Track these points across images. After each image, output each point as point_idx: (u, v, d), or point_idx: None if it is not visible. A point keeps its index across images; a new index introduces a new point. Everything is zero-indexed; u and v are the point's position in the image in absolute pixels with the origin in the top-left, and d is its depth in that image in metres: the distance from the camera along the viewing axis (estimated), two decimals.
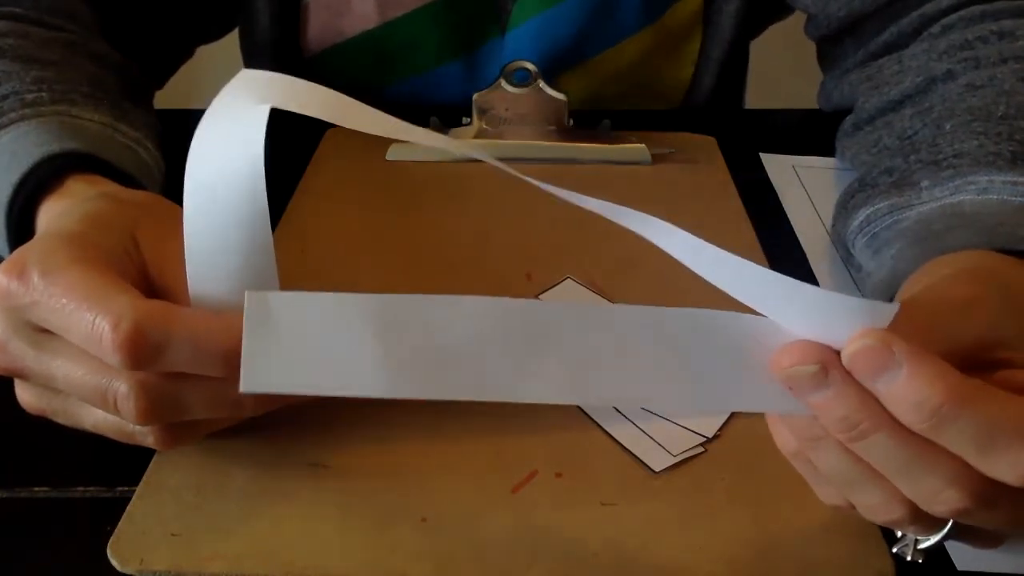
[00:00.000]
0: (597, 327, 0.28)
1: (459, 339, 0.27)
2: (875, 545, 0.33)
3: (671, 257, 0.30)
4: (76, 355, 0.32)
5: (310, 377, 0.28)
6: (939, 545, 0.30)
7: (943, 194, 0.42)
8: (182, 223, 0.32)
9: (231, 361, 0.30)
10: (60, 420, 0.35)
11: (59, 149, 0.39)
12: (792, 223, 0.55)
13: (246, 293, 0.28)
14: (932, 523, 0.29)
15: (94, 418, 0.34)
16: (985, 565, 0.34)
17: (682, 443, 0.38)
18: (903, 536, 0.31)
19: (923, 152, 0.45)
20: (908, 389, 0.26)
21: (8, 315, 0.32)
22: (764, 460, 0.37)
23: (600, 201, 0.29)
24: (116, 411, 0.32)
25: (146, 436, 0.34)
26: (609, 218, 0.30)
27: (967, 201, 0.40)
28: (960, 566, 0.34)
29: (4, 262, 0.32)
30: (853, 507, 0.30)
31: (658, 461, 0.37)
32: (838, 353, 0.27)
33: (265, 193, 0.31)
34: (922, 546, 0.30)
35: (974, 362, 0.28)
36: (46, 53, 0.47)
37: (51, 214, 0.38)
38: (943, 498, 0.27)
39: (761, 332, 0.29)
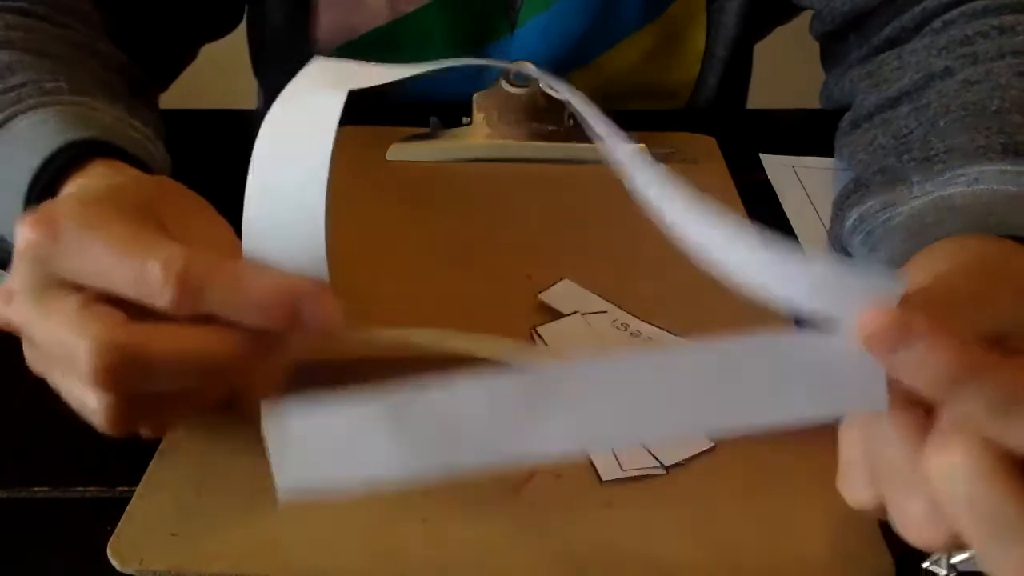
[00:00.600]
0: (593, 382, 0.29)
1: (461, 418, 0.29)
2: (875, 545, 0.33)
3: (671, 257, 0.30)
4: (57, 311, 0.31)
5: (338, 475, 0.30)
6: (972, 562, 0.29)
7: (934, 188, 0.42)
8: (204, 203, 0.34)
9: (268, 305, 0.31)
10: (54, 385, 0.34)
11: (83, 135, 0.40)
12: (792, 224, 0.55)
13: (263, 407, 0.29)
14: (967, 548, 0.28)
15: (70, 389, 0.33)
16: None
17: (638, 461, 0.37)
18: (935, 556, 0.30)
19: (915, 150, 0.45)
20: (929, 360, 0.25)
21: (31, 266, 0.32)
22: (764, 460, 0.37)
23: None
24: (78, 372, 0.31)
25: (98, 407, 0.32)
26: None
27: (958, 193, 0.40)
28: (960, 566, 0.34)
29: (31, 215, 0.32)
30: (880, 512, 0.29)
31: (607, 471, 0.36)
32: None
33: (326, 187, 0.33)
34: (955, 560, 0.30)
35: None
36: (55, 49, 0.48)
37: (74, 188, 0.38)
38: None
39: (777, 349, 0.28)
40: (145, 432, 0.35)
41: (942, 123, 0.45)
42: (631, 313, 0.45)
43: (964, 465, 0.26)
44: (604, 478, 0.36)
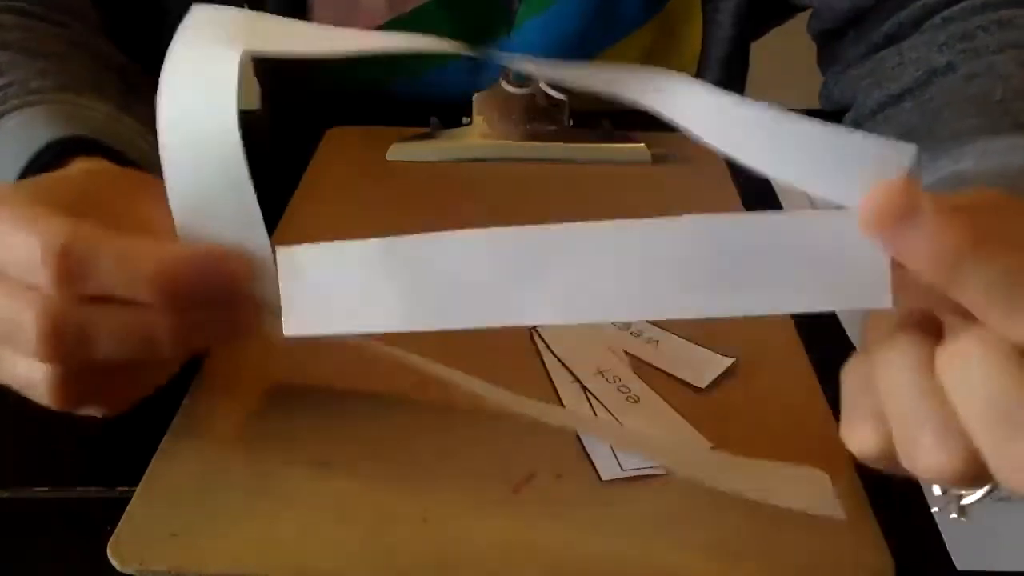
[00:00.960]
0: (593, 246, 0.29)
1: (458, 270, 0.29)
2: (875, 544, 0.33)
3: None
4: (4, 289, 0.31)
5: (338, 318, 0.31)
6: (985, 499, 0.28)
7: (946, 163, 0.42)
8: (158, 197, 0.32)
9: (160, 285, 0.30)
10: None
11: (65, 134, 0.39)
12: None
13: (277, 250, 0.31)
14: (979, 480, 0.27)
15: (13, 367, 0.32)
16: (985, 565, 0.34)
17: (638, 461, 0.37)
18: (944, 493, 0.29)
19: (922, 142, 0.45)
20: (930, 237, 0.25)
21: None
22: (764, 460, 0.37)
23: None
24: (19, 345, 0.31)
25: (43, 378, 0.31)
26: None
27: (970, 167, 0.40)
28: (960, 566, 0.34)
29: None
30: (886, 454, 0.28)
31: (607, 471, 0.37)
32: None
33: (241, 147, 0.31)
34: (967, 500, 0.29)
35: None
36: (50, 47, 0.48)
37: None
38: None
39: (788, 227, 0.27)
40: (97, 410, 0.34)
41: (946, 113, 0.45)
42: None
43: (980, 358, 0.25)
44: (604, 478, 0.36)
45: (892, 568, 0.33)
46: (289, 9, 0.68)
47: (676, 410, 0.39)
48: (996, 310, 0.25)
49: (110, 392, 0.34)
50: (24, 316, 0.30)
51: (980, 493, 0.28)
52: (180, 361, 0.35)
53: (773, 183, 0.59)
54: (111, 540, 0.33)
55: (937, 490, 0.29)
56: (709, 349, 0.42)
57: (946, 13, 0.52)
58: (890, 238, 0.26)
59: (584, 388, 0.41)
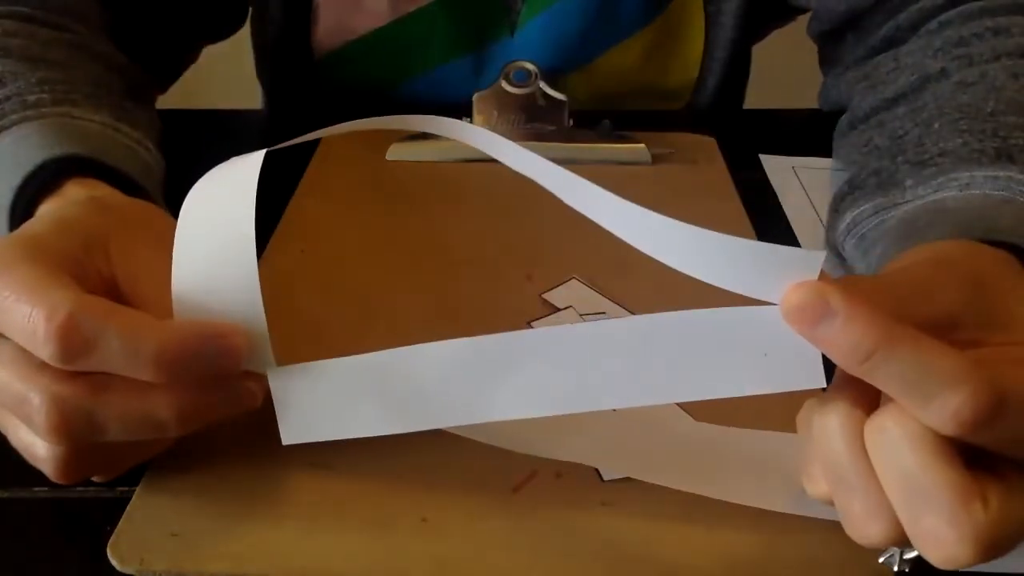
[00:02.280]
0: (546, 349, 0.32)
1: (430, 379, 0.33)
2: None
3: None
4: (7, 361, 0.31)
5: (327, 427, 0.34)
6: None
7: (926, 192, 0.42)
8: (165, 232, 0.34)
9: (162, 363, 0.30)
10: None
11: (59, 153, 0.39)
12: (791, 224, 0.55)
13: (268, 370, 0.33)
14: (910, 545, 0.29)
15: (17, 433, 0.33)
16: (985, 565, 0.34)
17: None
18: (887, 554, 0.31)
19: (910, 152, 0.45)
20: (844, 334, 0.27)
21: None
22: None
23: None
24: (28, 422, 0.31)
25: (49, 457, 0.32)
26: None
27: (949, 198, 0.40)
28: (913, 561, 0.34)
29: None
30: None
31: (607, 471, 0.37)
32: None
33: (253, 233, 0.33)
34: (908, 556, 0.30)
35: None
36: (51, 53, 0.48)
37: (42, 211, 0.38)
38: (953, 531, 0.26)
39: (730, 320, 0.30)
40: (97, 478, 0.35)
41: (936, 125, 0.45)
42: (633, 313, 0.45)
43: (897, 435, 0.27)
44: (604, 478, 0.36)
45: (892, 568, 0.33)
46: (293, 11, 0.68)
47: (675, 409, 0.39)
48: (909, 399, 0.26)
49: (112, 465, 0.35)
50: (34, 401, 0.30)
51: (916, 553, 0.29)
52: (184, 434, 0.35)
53: (772, 183, 0.59)
54: (111, 540, 0.33)
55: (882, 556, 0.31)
56: None
57: (943, 18, 0.52)
58: (807, 334, 0.28)
59: None
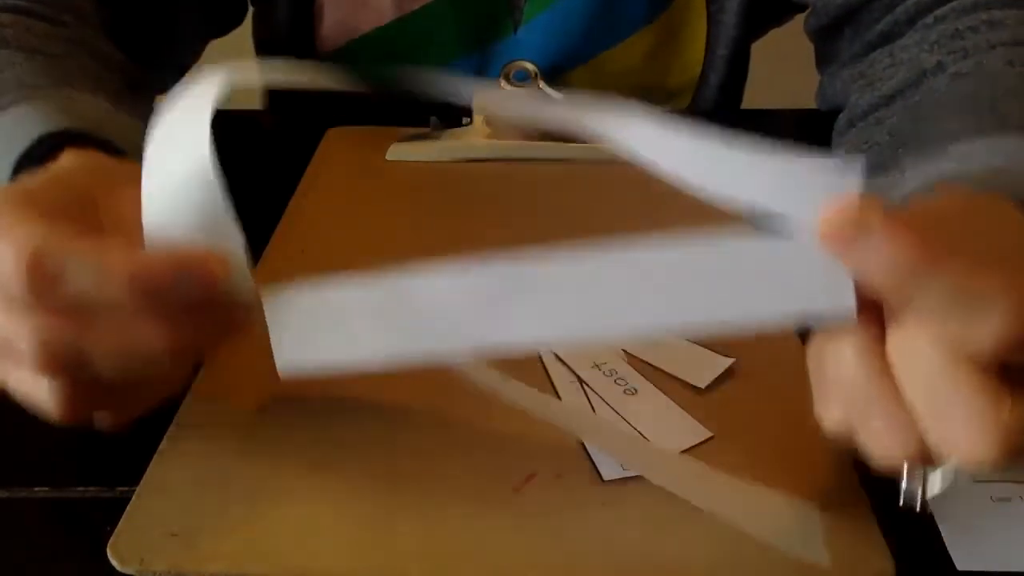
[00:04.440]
0: (562, 275, 0.30)
1: (437, 305, 0.31)
2: (875, 544, 0.33)
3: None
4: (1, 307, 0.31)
5: (325, 356, 0.32)
6: (949, 484, 0.29)
7: (928, 170, 0.42)
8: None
9: (136, 285, 0.29)
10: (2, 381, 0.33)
11: (56, 127, 0.39)
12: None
13: (262, 296, 0.32)
14: (933, 460, 0.29)
15: (15, 377, 0.32)
16: (985, 565, 0.34)
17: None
18: (909, 482, 0.31)
19: (909, 144, 0.45)
20: (884, 253, 0.26)
21: None
22: (764, 460, 0.37)
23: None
24: (19, 362, 0.31)
25: (50, 395, 0.31)
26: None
27: (949, 169, 0.40)
28: (960, 566, 0.34)
29: None
30: (853, 442, 0.30)
31: (607, 471, 0.37)
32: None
33: (210, 156, 0.32)
34: (932, 488, 0.30)
35: None
36: (49, 46, 0.48)
37: None
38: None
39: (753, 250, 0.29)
40: (104, 422, 0.34)
41: (934, 115, 0.45)
42: None
43: (922, 341, 0.26)
44: (605, 478, 0.36)
45: (892, 568, 0.33)
46: (297, 8, 0.68)
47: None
48: (950, 319, 0.26)
49: (116, 403, 0.34)
50: (21, 341, 0.30)
51: (942, 477, 0.30)
52: (184, 370, 0.35)
53: None
54: (111, 540, 0.33)
55: (902, 481, 0.31)
56: (709, 349, 0.42)
57: (938, 12, 0.52)
58: (844, 254, 0.27)
59: (581, 381, 0.41)
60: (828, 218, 0.26)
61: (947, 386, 0.26)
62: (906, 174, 0.43)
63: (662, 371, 0.42)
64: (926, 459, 0.28)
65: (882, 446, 0.29)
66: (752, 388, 0.41)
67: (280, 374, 0.33)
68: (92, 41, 0.52)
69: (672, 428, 0.38)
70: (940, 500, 0.37)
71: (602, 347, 0.40)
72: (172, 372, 0.34)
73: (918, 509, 0.31)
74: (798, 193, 0.27)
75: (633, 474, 0.36)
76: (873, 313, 0.28)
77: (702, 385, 0.41)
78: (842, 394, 0.29)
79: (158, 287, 0.30)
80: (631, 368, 0.42)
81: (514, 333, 0.31)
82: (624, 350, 0.43)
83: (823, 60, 0.66)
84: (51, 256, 0.29)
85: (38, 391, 0.32)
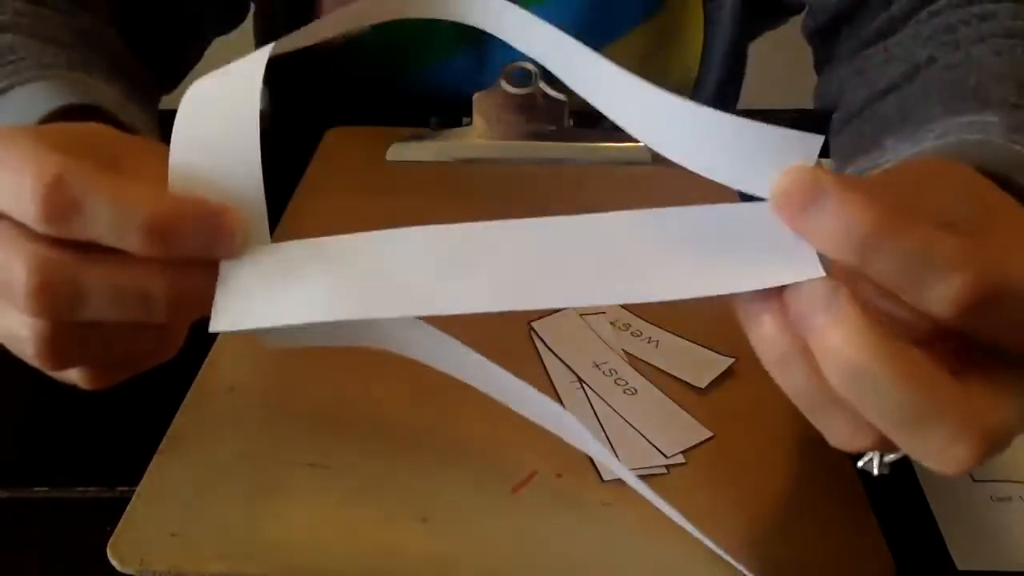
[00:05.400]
0: (519, 240, 0.30)
1: (385, 266, 0.30)
2: (875, 544, 0.33)
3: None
4: None
5: (261, 313, 0.30)
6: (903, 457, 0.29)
7: (905, 147, 0.42)
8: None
9: (153, 232, 0.29)
10: None
11: (76, 101, 0.39)
12: None
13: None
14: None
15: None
16: (985, 565, 0.34)
17: (638, 461, 0.37)
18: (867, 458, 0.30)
19: (893, 128, 0.45)
20: (837, 219, 0.25)
21: None
22: (764, 460, 0.37)
23: None
24: (10, 292, 0.29)
25: (30, 335, 0.30)
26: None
27: (928, 147, 0.40)
28: (960, 566, 0.34)
29: None
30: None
31: (607, 471, 0.37)
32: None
33: (257, 117, 0.31)
34: (888, 459, 0.30)
35: None
36: (61, 36, 0.48)
37: None
38: (953, 452, 0.26)
39: (713, 216, 0.28)
40: (83, 379, 0.32)
41: (919, 103, 0.45)
42: (633, 313, 0.45)
43: (871, 371, 0.25)
44: (604, 478, 0.36)
45: (892, 568, 0.33)
46: (297, 4, 0.68)
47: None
48: (907, 285, 0.25)
49: (98, 357, 0.32)
50: (14, 267, 0.29)
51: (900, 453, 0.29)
52: (178, 332, 0.33)
53: None
54: (111, 540, 0.33)
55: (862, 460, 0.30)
56: (709, 349, 0.42)
57: (933, 7, 0.53)
58: (798, 222, 0.26)
59: (581, 381, 0.41)
60: (780, 187, 0.26)
61: (911, 415, 0.25)
62: (887, 154, 0.43)
63: (662, 371, 0.42)
64: (887, 448, 0.28)
65: (845, 445, 0.28)
66: (752, 388, 0.41)
67: (211, 330, 0.30)
68: (99, 35, 0.52)
69: (672, 428, 0.38)
70: (940, 500, 0.37)
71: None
72: (166, 329, 0.33)
73: (876, 473, 0.30)
74: (756, 159, 0.27)
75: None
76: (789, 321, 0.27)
77: (702, 385, 0.41)
78: (797, 403, 0.29)
79: (175, 232, 0.29)
80: (631, 368, 0.42)
81: (467, 296, 0.30)
82: (624, 350, 0.43)
83: (821, 62, 0.66)
84: (72, 184, 0.28)
85: (21, 331, 0.30)
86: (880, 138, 0.46)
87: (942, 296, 0.25)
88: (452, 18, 0.38)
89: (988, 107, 0.41)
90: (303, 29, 0.37)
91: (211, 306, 0.30)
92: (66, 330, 0.30)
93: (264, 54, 0.33)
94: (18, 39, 0.44)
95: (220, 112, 0.32)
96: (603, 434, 0.38)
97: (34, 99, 0.39)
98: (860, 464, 0.31)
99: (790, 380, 0.28)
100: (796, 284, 0.26)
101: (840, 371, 0.26)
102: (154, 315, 0.30)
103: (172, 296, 0.30)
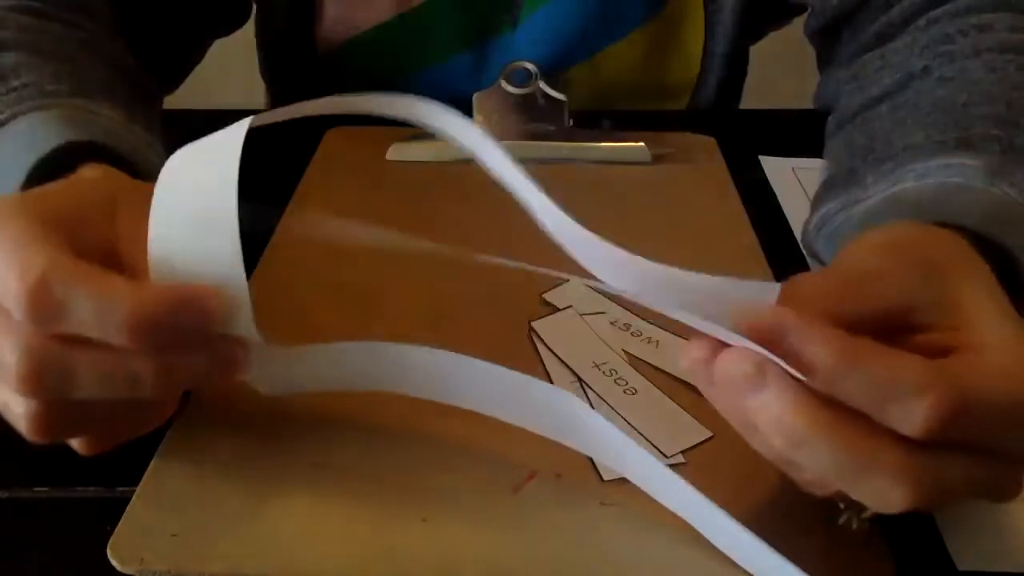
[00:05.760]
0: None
1: (386, 372, 0.37)
2: (875, 546, 0.33)
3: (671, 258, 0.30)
4: None
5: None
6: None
7: (886, 186, 0.42)
8: None
9: (135, 328, 0.29)
10: None
11: (75, 138, 0.39)
12: (791, 224, 0.55)
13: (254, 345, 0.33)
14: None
15: None
16: (985, 565, 0.34)
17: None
18: (844, 508, 0.32)
19: (879, 150, 0.45)
20: (802, 354, 0.27)
21: None
22: (763, 461, 0.37)
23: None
24: (3, 374, 0.30)
25: (23, 412, 0.31)
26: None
27: (909, 188, 0.41)
28: (960, 566, 0.34)
29: None
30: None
31: (607, 471, 0.37)
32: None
33: (235, 198, 0.32)
34: (865, 515, 0.31)
35: (888, 328, 0.30)
36: (63, 49, 0.48)
37: None
38: (892, 497, 0.28)
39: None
40: (81, 447, 0.34)
41: (909, 121, 0.45)
42: (633, 313, 0.45)
43: (813, 452, 0.28)
44: (604, 478, 0.36)
45: (892, 569, 0.33)
46: (297, 6, 0.69)
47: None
48: (874, 409, 0.27)
49: (95, 429, 0.34)
50: (5, 351, 0.30)
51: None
52: (170, 403, 0.35)
53: (772, 184, 0.59)
54: (111, 540, 0.33)
55: (840, 504, 0.32)
56: None
57: (932, 14, 0.53)
58: (769, 351, 0.28)
59: (581, 381, 0.41)
60: (747, 325, 0.28)
61: (851, 475, 0.28)
62: (868, 190, 0.43)
63: (662, 371, 0.42)
64: (847, 500, 0.30)
65: (804, 487, 0.31)
66: None
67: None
68: (104, 43, 0.52)
69: (672, 428, 0.38)
70: None
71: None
72: (157, 403, 0.34)
73: (855, 527, 0.32)
74: (724, 311, 0.29)
75: None
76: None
77: None
78: (762, 452, 0.32)
79: (157, 325, 0.30)
80: (631, 368, 0.42)
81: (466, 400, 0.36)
82: (624, 350, 0.43)
83: (823, 62, 0.66)
84: (55, 286, 0.29)
85: (14, 405, 0.31)
86: (865, 162, 0.46)
87: (910, 420, 0.27)
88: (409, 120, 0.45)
89: (970, 144, 0.41)
90: (283, 108, 0.39)
91: (199, 379, 0.33)
92: (57, 408, 0.32)
93: (242, 128, 0.34)
94: (22, 58, 0.45)
95: (199, 187, 0.33)
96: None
97: (34, 137, 0.40)
98: (840, 521, 0.32)
99: (754, 442, 0.31)
100: (725, 366, 0.29)
101: (779, 439, 0.29)
102: (142, 393, 0.31)
103: (159, 375, 0.31)
